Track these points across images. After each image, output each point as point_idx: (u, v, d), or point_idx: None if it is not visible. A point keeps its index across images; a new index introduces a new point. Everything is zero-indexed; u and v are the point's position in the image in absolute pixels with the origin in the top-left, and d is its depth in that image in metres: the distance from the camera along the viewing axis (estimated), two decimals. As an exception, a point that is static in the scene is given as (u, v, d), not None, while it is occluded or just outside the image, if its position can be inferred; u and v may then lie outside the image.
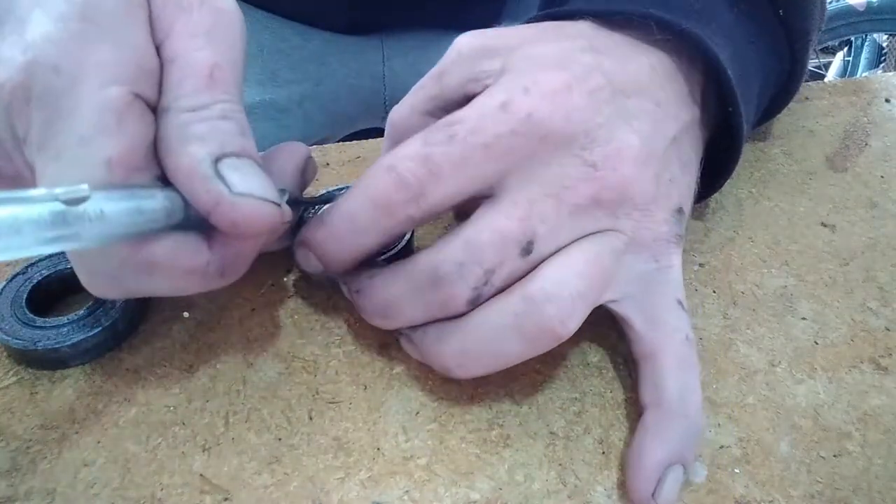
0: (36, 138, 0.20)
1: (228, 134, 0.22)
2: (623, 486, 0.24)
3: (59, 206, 0.18)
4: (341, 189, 0.31)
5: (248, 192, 0.21)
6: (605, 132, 0.25)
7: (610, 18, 0.28)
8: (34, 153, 0.20)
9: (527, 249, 0.24)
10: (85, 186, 0.18)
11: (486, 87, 0.26)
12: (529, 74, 0.25)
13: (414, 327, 0.25)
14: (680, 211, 0.27)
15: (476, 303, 0.24)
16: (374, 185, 0.24)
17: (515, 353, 0.24)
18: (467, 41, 0.28)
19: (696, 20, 0.28)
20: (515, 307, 0.23)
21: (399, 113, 0.29)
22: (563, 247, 0.24)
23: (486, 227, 0.23)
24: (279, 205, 0.22)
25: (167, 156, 0.21)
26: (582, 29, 0.28)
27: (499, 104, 0.24)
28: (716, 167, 0.31)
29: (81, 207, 0.18)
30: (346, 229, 0.24)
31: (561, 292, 0.23)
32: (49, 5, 0.21)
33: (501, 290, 0.24)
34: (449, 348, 0.24)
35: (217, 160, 0.21)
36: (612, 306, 0.25)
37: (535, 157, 0.24)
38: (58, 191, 0.18)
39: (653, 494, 0.23)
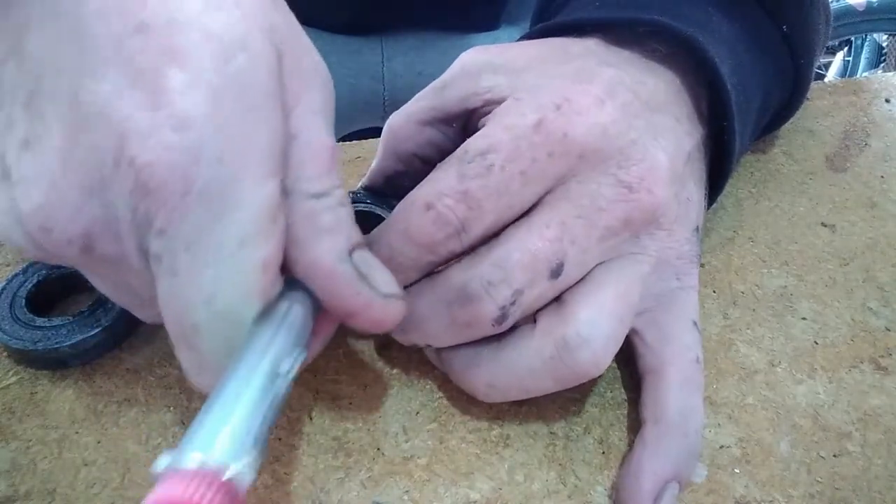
0: (186, 236, 0.18)
1: (350, 223, 0.21)
2: (623, 486, 0.24)
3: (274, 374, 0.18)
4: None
5: (392, 292, 0.21)
6: (638, 149, 0.24)
7: (614, 34, 0.28)
8: (177, 252, 0.18)
9: (556, 272, 0.23)
10: (297, 350, 0.19)
11: (487, 101, 0.26)
12: (557, 90, 0.25)
13: (445, 347, 0.25)
14: (697, 230, 0.27)
15: (502, 322, 0.23)
16: (414, 225, 0.23)
17: (545, 389, 0.24)
18: (472, 56, 0.28)
19: (700, 30, 0.28)
20: (549, 350, 0.23)
21: (397, 121, 0.29)
22: (590, 271, 0.24)
23: (518, 248, 0.23)
24: None
25: (297, 246, 0.20)
26: (589, 46, 0.28)
27: (532, 125, 0.24)
28: (709, 184, 0.30)
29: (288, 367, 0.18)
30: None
31: (595, 335, 0.23)
32: (196, 67, 0.18)
33: (527, 312, 0.24)
34: (479, 376, 0.24)
35: (350, 253, 0.20)
36: None
37: (572, 176, 0.24)
38: (284, 368, 0.18)
39: None
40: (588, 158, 0.24)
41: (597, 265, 0.24)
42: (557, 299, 0.24)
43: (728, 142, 0.28)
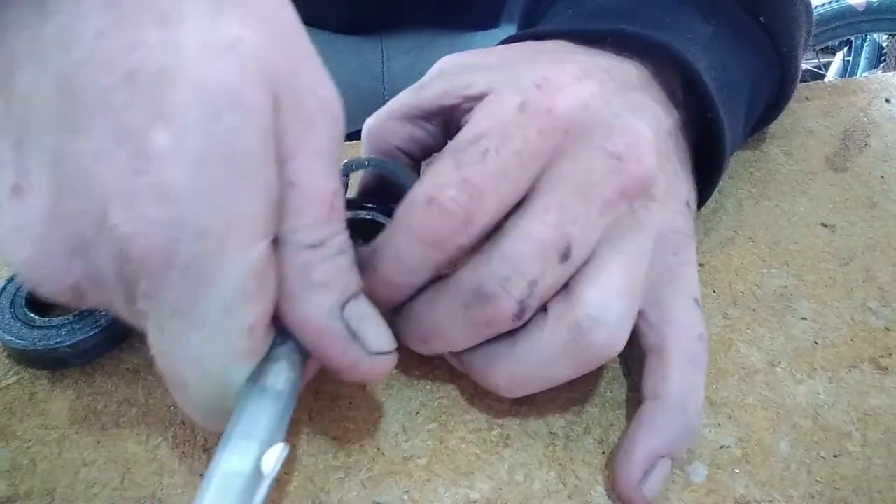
0: (170, 304, 0.18)
1: (347, 273, 0.20)
2: (623, 486, 0.24)
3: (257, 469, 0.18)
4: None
5: (382, 349, 0.21)
6: (621, 122, 0.25)
7: (586, 38, 0.28)
8: (162, 315, 0.18)
9: (565, 255, 0.23)
10: (281, 445, 0.18)
11: (466, 98, 0.26)
12: (534, 73, 0.25)
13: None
14: (688, 204, 0.27)
15: (521, 316, 0.23)
16: (419, 222, 0.23)
17: (566, 376, 0.24)
18: (450, 60, 0.28)
19: (670, 33, 0.28)
20: (564, 336, 0.23)
21: (374, 120, 0.29)
22: (594, 253, 0.24)
23: (524, 238, 0.23)
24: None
25: (288, 301, 0.19)
26: (561, 44, 0.28)
27: (516, 106, 0.24)
28: (705, 178, 0.31)
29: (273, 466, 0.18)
30: (395, 272, 0.23)
31: (607, 317, 0.23)
32: (183, 128, 0.17)
33: (543, 301, 0.24)
34: (499, 373, 0.24)
35: (342, 307, 0.20)
36: None
37: (562, 154, 0.24)
38: (266, 468, 0.18)
39: (638, 483, 0.23)
40: (574, 133, 0.24)
41: (599, 246, 0.24)
42: (565, 285, 0.24)
43: (716, 132, 0.29)
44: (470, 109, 0.25)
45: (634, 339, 0.25)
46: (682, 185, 0.27)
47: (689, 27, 0.30)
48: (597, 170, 0.24)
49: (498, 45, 0.31)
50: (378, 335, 0.21)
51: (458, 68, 0.27)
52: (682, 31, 0.29)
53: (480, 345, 0.24)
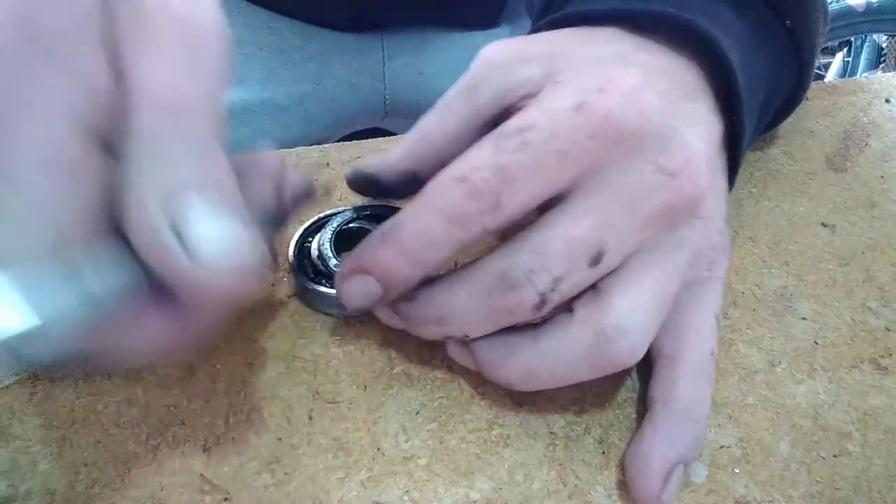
0: None
1: (189, 166, 0.18)
2: (623, 485, 0.24)
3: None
4: (333, 214, 0.30)
5: (211, 256, 0.17)
6: (677, 136, 0.24)
7: (629, 25, 0.27)
8: None
9: (595, 260, 0.23)
10: (28, 311, 0.16)
11: (525, 95, 0.25)
12: (599, 73, 0.24)
13: (477, 338, 0.25)
14: (726, 220, 0.27)
15: (541, 308, 0.23)
16: (447, 198, 0.23)
17: (582, 377, 0.24)
18: (495, 50, 0.27)
19: (713, 26, 0.27)
20: (588, 339, 0.23)
21: (429, 127, 0.27)
22: (629, 259, 0.24)
23: (558, 235, 0.23)
24: (258, 260, 0.18)
25: (121, 206, 0.18)
26: (615, 32, 0.27)
27: (573, 106, 0.23)
28: None
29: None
30: (416, 245, 0.23)
31: (633, 327, 0.23)
32: None
33: (565, 298, 0.24)
34: (515, 366, 0.24)
35: (173, 206, 0.17)
36: None
37: (611, 162, 0.23)
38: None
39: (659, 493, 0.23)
40: (628, 143, 0.23)
41: (635, 253, 0.24)
42: (594, 287, 0.24)
43: (738, 138, 0.28)
44: (524, 106, 0.25)
45: None
46: (723, 202, 0.27)
47: (724, 20, 0.29)
48: (647, 183, 0.23)
49: (536, 28, 0.29)
50: (209, 234, 0.17)
51: (507, 59, 0.26)
52: (719, 25, 0.28)
53: (498, 335, 0.24)
